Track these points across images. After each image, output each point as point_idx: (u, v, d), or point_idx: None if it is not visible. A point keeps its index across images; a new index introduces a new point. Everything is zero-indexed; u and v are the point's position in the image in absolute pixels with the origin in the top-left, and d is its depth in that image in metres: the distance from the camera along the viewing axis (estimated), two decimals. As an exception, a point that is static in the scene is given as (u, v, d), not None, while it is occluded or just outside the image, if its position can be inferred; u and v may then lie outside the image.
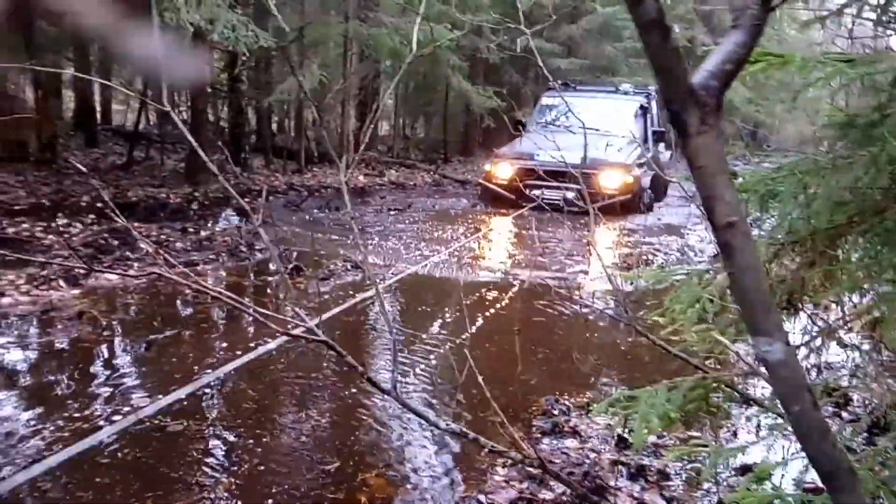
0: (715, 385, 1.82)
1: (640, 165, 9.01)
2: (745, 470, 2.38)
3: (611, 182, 8.64)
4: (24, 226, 5.95)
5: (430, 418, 1.63)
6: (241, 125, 11.07)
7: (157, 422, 2.62)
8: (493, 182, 9.10)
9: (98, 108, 14.03)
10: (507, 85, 14.38)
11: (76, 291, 4.41)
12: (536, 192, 8.55)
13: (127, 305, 4.27)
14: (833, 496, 0.96)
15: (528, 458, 1.55)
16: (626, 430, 2.36)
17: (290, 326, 1.86)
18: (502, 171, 9.35)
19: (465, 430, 1.59)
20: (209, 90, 11.04)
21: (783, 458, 1.63)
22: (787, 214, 1.88)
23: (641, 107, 10.06)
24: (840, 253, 1.62)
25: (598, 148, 8.32)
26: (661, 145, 10.71)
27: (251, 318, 4.00)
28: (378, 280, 4.07)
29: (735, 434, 2.77)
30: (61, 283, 4.55)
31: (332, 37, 9.80)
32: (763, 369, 0.91)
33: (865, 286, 1.50)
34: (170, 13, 6.49)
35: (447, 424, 1.60)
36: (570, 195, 8.35)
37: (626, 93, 10.53)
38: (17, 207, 6.70)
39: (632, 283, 3.39)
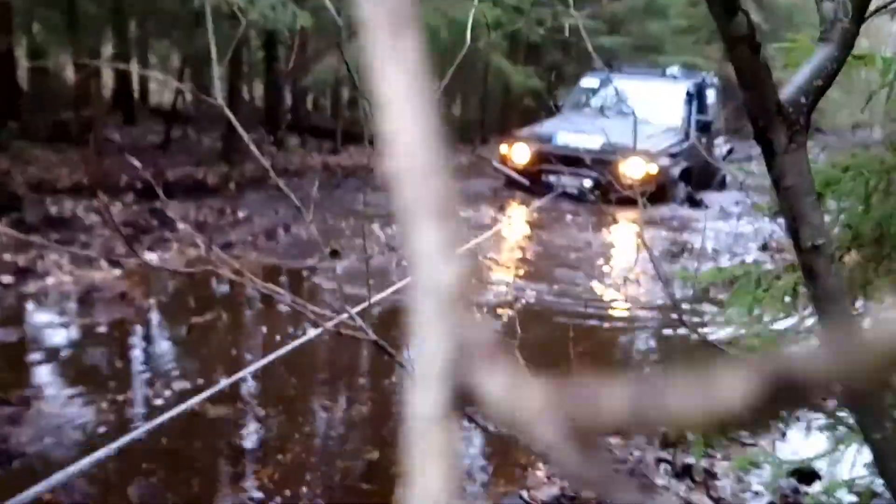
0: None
1: (674, 155, 8.38)
2: (796, 473, 2.31)
3: (633, 171, 7.81)
4: (67, 205, 6.05)
5: (480, 422, 1.59)
6: (278, 104, 11.11)
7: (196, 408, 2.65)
8: (508, 165, 8.63)
9: (136, 87, 14.17)
10: (548, 64, 14.16)
11: (118, 272, 4.47)
12: (553, 178, 8.18)
13: (167, 287, 4.31)
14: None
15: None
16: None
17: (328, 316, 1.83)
18: (518, 153, 8.72)
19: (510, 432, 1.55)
20: (245, 69, 11.06)
21: (850, 479, 1.56)
22: (850, 214, 1.80)
23: (688, 93, 9.37)
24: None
25: (625, 133, 7.62)
26: (721, 138, 10.05)
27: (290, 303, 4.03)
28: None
29: (784, 435, 2.70)
30: (103, 263, 4.62)
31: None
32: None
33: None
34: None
35: (496, 427, 1.57)
36: (589, 184, 7.95)
37: (673, 77, 9.77)
38: (59, 186, 6.82)
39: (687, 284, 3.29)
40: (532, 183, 8.14)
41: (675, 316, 2.13)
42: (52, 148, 8.45)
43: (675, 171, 8.37)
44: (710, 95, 9.98)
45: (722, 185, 9.97)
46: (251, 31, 10.86)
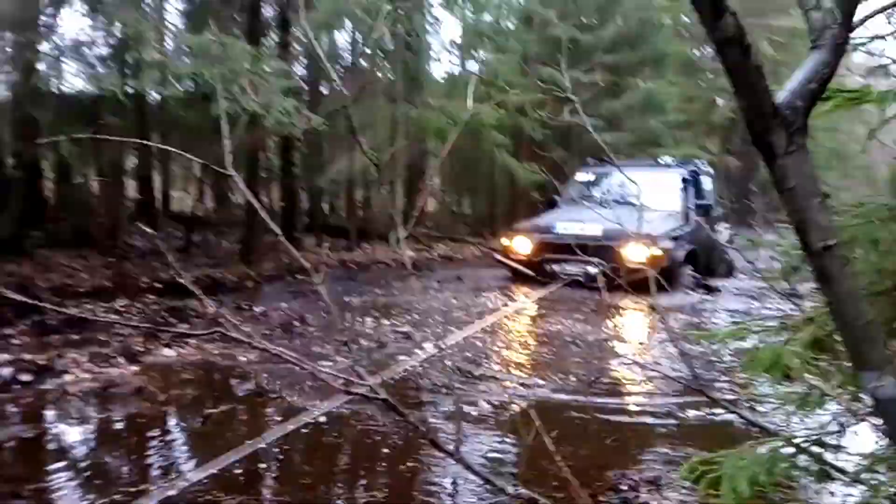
0: (804, 446, 1.70)
1: (676, 238, 8.34)
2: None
3: (635, 255, 7.76)
4: (87, 306, 6.14)
5: (496, 483, 1.54)
6: (294, 206, 11.40)
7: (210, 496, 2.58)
8: (510, 257, 8.71)
9: (159, 195, 14.62)
10: (551, 160, 14.54)
11: (135, 368, 4.48)
12: (556, 267, 8.31)
13: (183, 381, 4.30)
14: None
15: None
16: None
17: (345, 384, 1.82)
18: (520, 244, 8.86)
19: (535, 494, 1.51)
20: (263, 174, 11.44)
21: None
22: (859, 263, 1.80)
23: (683, 179, 9.46)
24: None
25: (624, 221, 7.58)
26: (723, 224, 10.10)
27: (301, 392, 4.00)
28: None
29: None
30: (121, 359, 4.64)
31: (379, 118, 10.15)
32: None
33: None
34: (229, 102, 6.83)
35: (516, 489, 1.52)
36: (593, 270, 7.88)
37: (667, 165, 10.00)
38: (80, 290, 6.93)
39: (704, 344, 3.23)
40: (536, 273, 8.17)
41: (698, 391, 2.10)
42: (74, 254, 8.65)
43: (680, 254, 8.29)
44: (707, 182, 10.10)
45: (729, 272, 9.89)
46: (268, 138, 11.34)
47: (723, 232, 10.09)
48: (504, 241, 9.19)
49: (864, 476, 1.90)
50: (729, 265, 9.92)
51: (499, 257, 9.12)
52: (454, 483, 2.66)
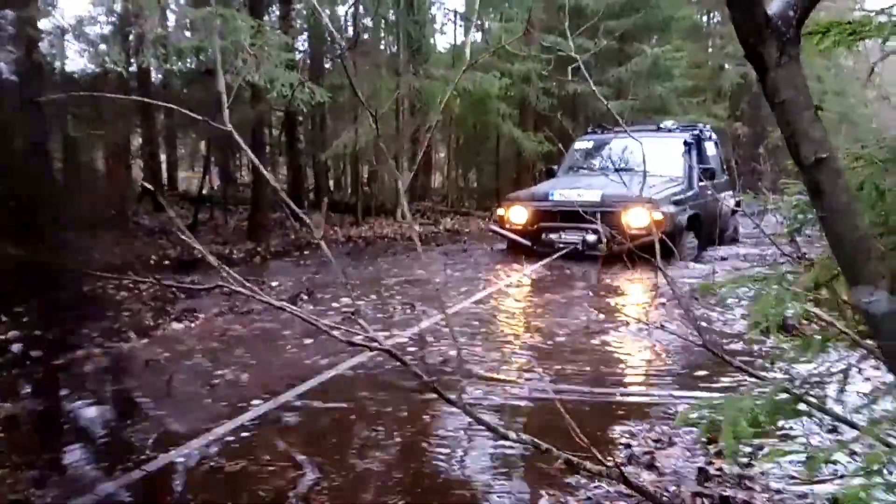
0: (800, 393, 1.70)
1: (679, 202, 7.98)
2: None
3: (637, 220, 7.50)
4: (98, 284, 6.19)
5: (498, 430, 1.56)
6: (300, 182, 11.40)
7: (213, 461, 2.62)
8: (506, 227, 8.45)
9: (165, 176, 14.66)
10: (557, 130, 14.45)
11: (145, 341, 4.54)
12: (554, 235, 8.04)
13: (191, 351, 4.33)
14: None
15: (607, 468, 1.46)
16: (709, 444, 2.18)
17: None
18: (516, 214, 8.47)
19: (536, 440, 1.52)
20: (267, 151, 11.43)
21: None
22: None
23: (686, 143, 9.06)
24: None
25: (622, 186, 7.27)
26: (727, 192, 9.64)
27: (306, 352, 4.04)
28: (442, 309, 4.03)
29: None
30: (132, 334, 4.69)
31: (384, 91, 10.08)
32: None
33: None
34: (231, 75, 6.80)
35: (518, 435, 1.53)
36: (592, 238, 7.74)
37: (669, 130, 9.50)
38: (90, 268, 6.97)
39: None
40: (533, 242, 8.05)
41: (703, 347, 2.10)
42: (83, 234, 8.70)
43: (682, 219, 7.89)
44: (710, 147, 9.79)
45: (734, 238, 9.67)
46: (272, 114, 11.32)
47: (728, 198, 9.64)
48: (500, 211, 8.83)
49: (863, 424, 1.91)
50: (734, 231, 9.67)
51: (494, 228, 8.84)
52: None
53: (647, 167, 7.26)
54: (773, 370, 3.26)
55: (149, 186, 9.18)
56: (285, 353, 4.18)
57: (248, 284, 1.63)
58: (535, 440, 1.51)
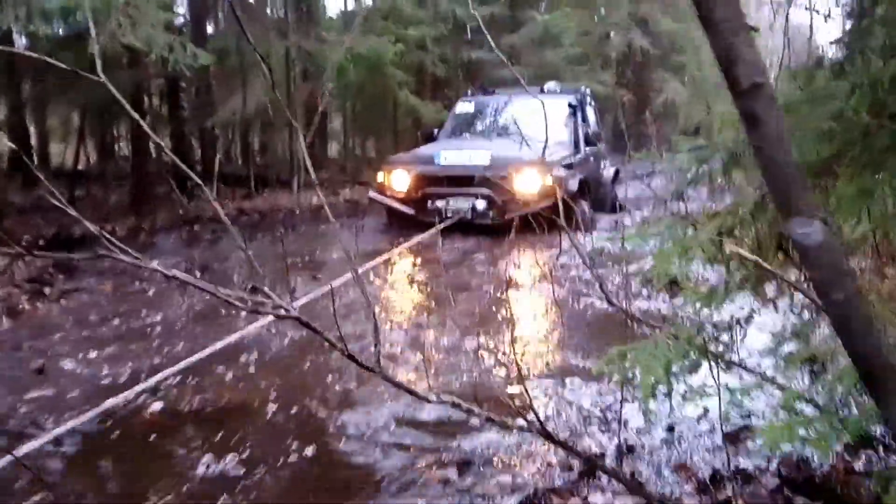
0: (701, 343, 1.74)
1: (568, 166, 7.45)
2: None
3: (528, 185, 6.92)
4: (-39, 266, 5.62)
5: (419, 393, 1.50)
6: (185, 153, 10.80)
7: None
8: (387, 194, 7.61)
9: (35, 149, 13.52)
10: (454, 98, 14.42)
11: (15, 322, 4.21)
12: (440, 203, 7.24)
13: (69, 330, 4.02)
14: (879, 401, 0.86)
15: (530, 423, 1.44)
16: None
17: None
18: (398, 180, 7.60)
19: (457, 400, 1.47)
20: (149, 120, 10.74)
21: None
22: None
23: (570, 105, 8.49)
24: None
25: (512, 150, 6.81)
26: (605, 160, 9.16)
27: (201, 326, 3.83)
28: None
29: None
30: (4, 319, 4.31)
31: (273, 54, 9.64)
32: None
33: (861, 212, 1.43)
34: (104, 37, 6.28)
35: (438, 397, 1.48)
36: (481, 205, 7.08)
37: (553, 92, 8.76)
38: (-49, 250, 6.34)
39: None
40: (417, 211, 7.34)
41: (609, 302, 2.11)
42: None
43: (574, 184, 7.31)
44: (590, 112, 9.45)
45: (614, 208, 8.69)
46: (152, 81, 10.61)
47: (606, 168, 9.34)
48: (379, 176, 7.88)
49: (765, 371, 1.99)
50: (613, 201, 8.87)
51: (374, 195, 7.86)
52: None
53: (532, 131, 6.52)
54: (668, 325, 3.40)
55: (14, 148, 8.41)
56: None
57: (133, 253, 1.47)
58: (457, 400, 1.47)
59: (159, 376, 2.99)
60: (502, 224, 6.71)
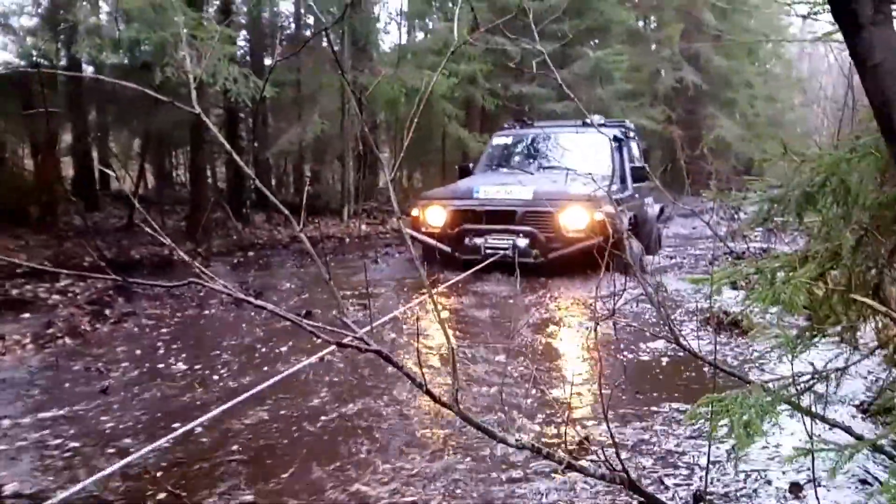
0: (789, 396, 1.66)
1: (618, 202, 6.68)
2: None
3: (576, 221, 6.47)
4: (28, 287, 5.82)
5: (496, 434, 1.46)
6: (241, 182, 11.06)
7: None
8: (422, 231, 7.11)
9: (97, 174, 14.01)
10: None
11: (79, 343, 4.30)
12: (479, 240, 6.72)
13: (130, 355, 4.08)
14: None
15: (615, 472, 1.38)
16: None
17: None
18: (433, 215, 7.15)
19: (537, 445, 1.42)
20: (207, 149, 11.05)
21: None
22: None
23: (615, 138, 7.75)
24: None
25: (556, 182, 6.66)
26: (650, 198, 8.51)
27: (273, 352, 3.85)
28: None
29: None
30: (67, 340, 4.40)
31: (328, 87, 9.85)
32: None
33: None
34: (171, 67, 6.51)
35: (517, 440, 1.44)
36: (523, 242, 6.57)
37: (595, 126, 8.24)
38: (18, 271, 6.55)
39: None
40: (454, 249, 6.86)
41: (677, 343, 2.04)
42: (10, 235, 8.21)
43: (625, 221, 6.63)
44: (634, 147, 8.76)
45: (658, 244, 8.46)
46: (212, 111, 10.93)
47: (651, 205, 8.65)
48: (414, 211, 7.40)
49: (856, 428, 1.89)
50: (657, 238, 8.48)
51: (408, 232, 7.23)
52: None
53: (574, 165, 6.53)
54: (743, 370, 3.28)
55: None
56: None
57: (221, 282, 1.48)
58: (537, 445, 1.42)
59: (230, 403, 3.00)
60: (545, 263, 6.39)
